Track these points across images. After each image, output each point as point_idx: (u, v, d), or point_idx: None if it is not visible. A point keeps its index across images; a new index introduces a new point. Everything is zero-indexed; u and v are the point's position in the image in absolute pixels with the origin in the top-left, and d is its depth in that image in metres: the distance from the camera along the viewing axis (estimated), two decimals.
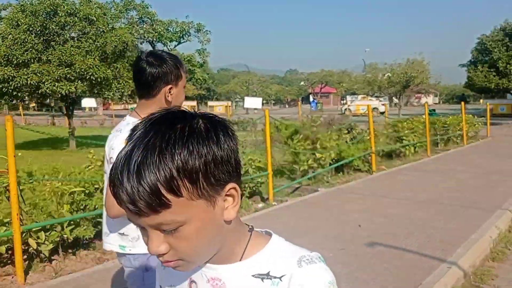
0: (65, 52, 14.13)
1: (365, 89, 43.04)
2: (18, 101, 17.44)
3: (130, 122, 2.00)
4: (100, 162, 5.39)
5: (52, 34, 14.91)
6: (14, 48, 14.14)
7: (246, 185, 7.23)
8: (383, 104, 40.88)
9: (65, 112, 16.83)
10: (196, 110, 0.80)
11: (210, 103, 59.67)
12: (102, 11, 15.80)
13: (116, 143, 1.92)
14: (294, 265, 0.84)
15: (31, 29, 14.56)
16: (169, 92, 2.02)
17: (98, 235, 4.98)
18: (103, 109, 52.43)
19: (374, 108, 24.96)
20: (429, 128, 12.65)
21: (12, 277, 4.16)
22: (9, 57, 14.01)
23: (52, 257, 4.56)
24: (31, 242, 4.21)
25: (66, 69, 14.02)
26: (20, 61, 14.06)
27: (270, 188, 7.22)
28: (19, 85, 13.99)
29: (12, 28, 14.64)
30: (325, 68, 78.38)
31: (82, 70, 13.96)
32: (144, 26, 44.52)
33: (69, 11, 14.64)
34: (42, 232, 4.31)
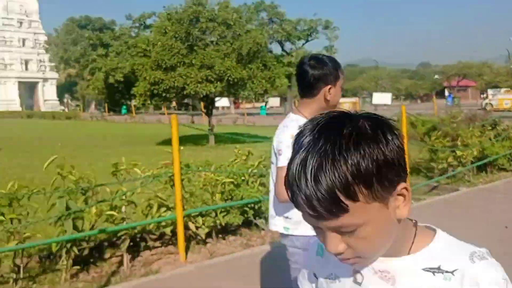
0: (206, 55, 15.38)
1: (508, 81, 38.98)
2: (166, 101, 19.31)
3: (294, 119, 2.26)
4: (244, 157, 5.86)
5: (194, 39, 16.32)
6: (163, 53, 15.77)
7: None
8: None
9: (204, 111, 18.27)
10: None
11: None
12: (238, 15, 16.82)
13: (283, 137, 2.20)
14: (466, 260, 0.84)
15: (177, 35, 16.08)
16: (329, 91, 2.24)
17: (245, 223, 5.46)
18: (235, 108, 55.26)
19: None
20: None
21: (175, 256, 4.78)
22: (159, 62, 15.66)
23: (206, 240, 5.13)
24: (191, 225, 4.80)
25: (207, 71, 15.25)
26: (168, 65, 15.63)
27: None
28: (167, 87, 15.57)
29: (160, 35, 16.35)
30: (462, 60, 72.55)
31: (221, 71, 15.06)
32: (274, 26, 46.02)
33: (209, 17, 15.90)
34: (200, 217, 4.88)
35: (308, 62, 2.24)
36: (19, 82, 62.77)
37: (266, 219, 5.60)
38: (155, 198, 4.73)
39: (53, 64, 63.65)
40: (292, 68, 41.33)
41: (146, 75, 15.52)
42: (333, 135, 0.76)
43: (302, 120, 2.22)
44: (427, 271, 0.86)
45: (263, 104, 45.30)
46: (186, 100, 19.88)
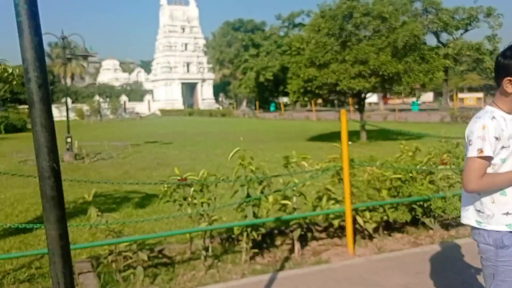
0: (360, 50, 15.19)
1: None
2: (317, 98, 19.58)
3: (488, 110, 2.17)
4: (411, 153, 5.69)
5: (347, 35, 16.24)
6: (316, 51, 16.01)
7: None
8: None
9: (354, 107, 18.08)
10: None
11: (460, 95, 52.96)
12: (394, 7, 16.25)
13: (475, 127, 2.13)
14: None
15: (330, 32, 16.19)
16: (509, 83, 2.09)
17: (411, 221, 5.32)
18: (383, 104, 53.40)
19: None
20: None
21: (342, 248, 4.89)
22: (313, 59, 15.94)
23: (373, 236, 5.13)
24: (359, 219, 4.85)
25: (361, 66, 15.05)
26: (321, 62, 15.83)
27: None
28: (320, 84, 15.79)
29: (314, 33, 16.62)
30: None
31: (375, 66, 14.73)
32: (428, 16, 43.26)
33: (364, 11, 15.64)
34: (367, 212, 4.90)
35: (504, 52, 2.14)
36: (182, 83, 69.55)
37: (435, 218, 5.39)
38: (325, 191, 4.89)
39: (210, 65, 69.04)
40: (449, 61, 38.38)
41: (300, 72, 15.94)
42: None
43: (497, 112, 2.13)
44: None
45: (415, 99, 42.95)
46: (331, 97, 19.89)
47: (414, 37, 15.21)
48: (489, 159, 2.09)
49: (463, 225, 2.54)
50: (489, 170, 2.13)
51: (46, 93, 1.45)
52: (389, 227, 5.38)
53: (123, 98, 60.12)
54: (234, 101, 70.97)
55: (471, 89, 61.97)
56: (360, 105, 17.45)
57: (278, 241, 5.09)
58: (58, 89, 54.21)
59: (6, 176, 10.11)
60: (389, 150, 11.27)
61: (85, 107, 49.70)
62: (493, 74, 2.27)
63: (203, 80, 71.65)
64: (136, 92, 66.81)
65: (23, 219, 7.02)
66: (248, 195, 4.38)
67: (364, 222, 4.90)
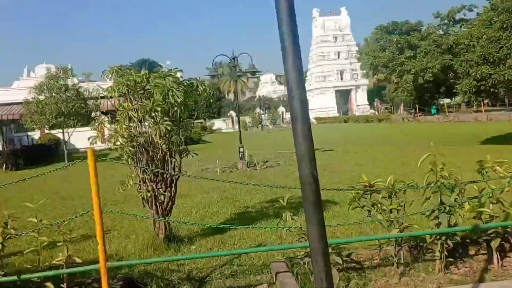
0: None
1: None
2: (493, 97, 17.85)
3: None
4: None
5: None
6: (489, 47, 14.64)
7: None
8: None
9: None
10: None
11: None
12: None
13: None
14: None
15: (504, 25, 14.64)
16: None
17: None
18: None
19: None
20: None
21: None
22: (485, 56, 14.61)
23: None
24: None
25: None
26: (496, 58, 14.40)
27: None
28: (495, 82, 14.37)
29: (485, 28, 15.22)
30: None
31: None
32: None
33: None
34: None
35: None
36: (335, 91, 69.72)
37: None
38: None
39: (363, 71, 67.88)
40: None
41: (472, 71, 14.73)
42: None
43: None
44: None
45: None
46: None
47: None
48: None
49: None
50: None
51: (306, 108, 1.67)
52: None
53: (281, 108, 62.73)
54: (391, 105, 68.48)
55: None
56: None
57: (471, 251, 4.79)
58: (224, 104, 59.19)
59: (194, 183, 11.42)
60: None
61: (247, 119, 53.31)
62: None
63: (357, 87, 70.74)
64: None
65: (216, 220, 7.85)
66: (442, 202, 4.24)
67: None
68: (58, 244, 4.16)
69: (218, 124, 52.73)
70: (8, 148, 24.96)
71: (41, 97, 22.09)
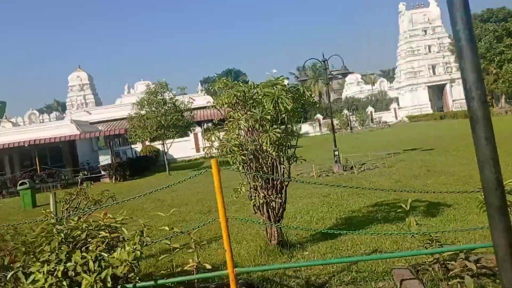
0: None
1: None
2: None
3: None
4: None
5: None
6: None
7: None
8: None
9: None
10: None
11: None
12: None
13: None
14: None
15: None
16: None
17: None
18: None
19: None
20: None
21: None
22: None
23: None
24: None
25: None
26: None
27: None
28: None
29: None
30: None
31: None
32: None
33: None
34: None
35: None
36: (428, 87, 66.32)
37: None
38: None
39: (458, 64, 63.99)
40: None
41: None
42: None
43: None
44: None
45: None
46: None
47: None
48: None
49: None
50: None
51: (487, 109, 1.57)
52: None
53: (369, 109, 61.00)
54: (491, 98, 63.76)
55: None
56: None
57: None
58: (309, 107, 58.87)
59: (292, 188, 11.45)
60: None
61: (335, 121, 52.51)
62: None
63: (452, 81, 66.69)
64: (381, 102, 66.88)
65: (322, 225, 7.79)
66: None
67: None
68: (189, 250, 4.37)
69: (304, 128, 52.56)
70: (116, 161, 26.94)
71: (143, 112, 23.56)
